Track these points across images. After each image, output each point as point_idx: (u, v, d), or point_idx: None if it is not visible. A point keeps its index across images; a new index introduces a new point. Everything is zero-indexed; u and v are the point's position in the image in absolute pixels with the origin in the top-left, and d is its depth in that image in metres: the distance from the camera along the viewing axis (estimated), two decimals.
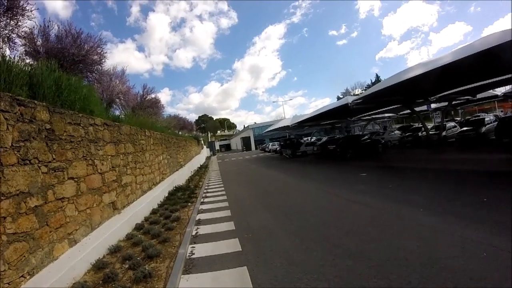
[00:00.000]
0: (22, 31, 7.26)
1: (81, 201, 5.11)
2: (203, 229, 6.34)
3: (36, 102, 4.20)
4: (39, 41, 8.62)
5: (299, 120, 24.18)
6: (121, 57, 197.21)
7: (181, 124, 36.01)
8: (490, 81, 13.81)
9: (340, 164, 16.51)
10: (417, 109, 22.42)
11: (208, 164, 32.24)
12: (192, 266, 4.39)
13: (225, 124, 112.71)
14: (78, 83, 6.21)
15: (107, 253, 4.90)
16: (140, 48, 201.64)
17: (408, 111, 23.72)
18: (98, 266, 4.22)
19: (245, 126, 73.15)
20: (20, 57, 8.21)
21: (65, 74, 8.56)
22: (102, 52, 10.43)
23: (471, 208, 5.29)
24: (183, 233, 5.92)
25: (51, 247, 4.11)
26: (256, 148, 60.28)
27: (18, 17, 6.73)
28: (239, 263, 4.24)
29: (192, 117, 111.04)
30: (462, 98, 18.92)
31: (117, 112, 15.81)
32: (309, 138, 37.03)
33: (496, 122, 16.44)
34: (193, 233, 6.07)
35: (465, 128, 18.28)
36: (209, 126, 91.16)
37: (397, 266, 3.49)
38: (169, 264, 4.34)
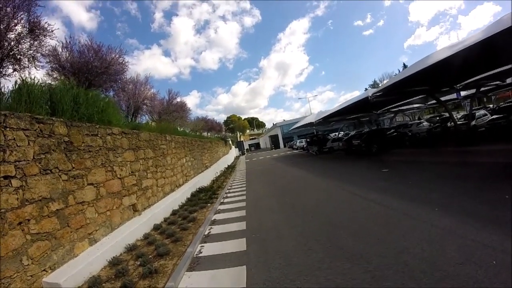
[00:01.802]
0: (45, 50, 8.01)
1: (101, 204, 5.67)
2: (216, 229, 6.66)
3: (54, 118, 4.77)
4: (64, 57, 9.44)
5: (322, 116, 23.90)
6: (148, 63, 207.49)
7: (209, 125, 36.99)
8: None
9: (364, 159, 16.12)
10: (447, 97, 21.20)
11: (236, 164, 32.90)
12: (197, 264, 4.70)
13: (253, 123, 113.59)
14: (96, 97, 6.81)
15: (124, 251, 5.40)
16: (166, 53, 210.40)
17: (442, 99, 22.55)
18: (114, 262, 4.71)
19: (274, 124, 73.18)
20: (47, 73, 9.17)
21: (89, 86, 9.48)
22: (124, 62, 11.22)
23: (491, 207, 4.90)
24: (196, 232, 6.31)
25: (72, 246, 4.66)
26: (284, 146, 60.25)
27: (40, 37, 7.47)
28: (240, 263, 4.44)
29: (222, 117, 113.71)
30: (491, 84, 17.52)
31: (145, 118, 16.94)
32: (336, 133, 36.45)
33: None
34: (206, 233, 6.41)
35: (495, 116, 17.02)
36: (237, 126, 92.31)
37: (395, 272, 3.35)
38: (176, 261, 4.71)
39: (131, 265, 4.66)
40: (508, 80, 17.87)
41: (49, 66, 9.05)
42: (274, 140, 66.70)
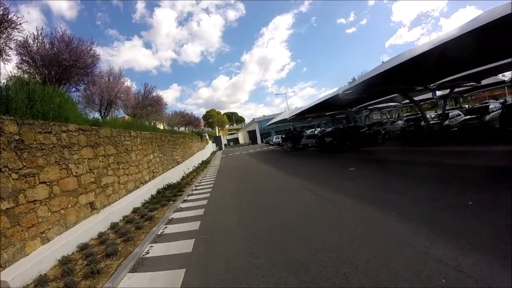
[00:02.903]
0: (14, 43, 7.99)
1: (54, 203, 5.82)
2: (170, 229, 6.89)
3: (3, 117, 4.89)
4: (34, 49, 9.32)
5: (295, 113, 24.60)
6: (128, 55, 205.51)
7: (186, 120, 36.88)
8: (494, 64, 13.24)
9: (335, 157, 16.77)
10: (424, 96, 22.16)
11: (211, 160, 33.12)
12: (141, 265, 4.91)
13: (233, 118, 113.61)
14: (53, 92, 6.87)
15: (76, 251, 5.61)
16: (147, 45, 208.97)
17: (418, 98, 23.49)
18: (63, 262, 4.94)
19: (252, 119, 73.69)
20: (17, 66, 9.08)
21: (59, 80, 9.45)
22: (94, 55, 11.17)
23: (451, 213, 4.84)
24: (149, 232, 6.60)
25: (23, 244, 4.84)
26: (262, 141, 60.92)
27: (8, 30, 7.44)
28: (181, 265, 4.59)
29: (202, 112, 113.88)
30: (466, 84, 18.41)
31: (119, 112, 16.87)
32: (313, 130, 37.39)
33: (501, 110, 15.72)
34: (158, 233, 6.64)
35: (468, 117, 17.85)
36: (216, 121, 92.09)
37: (331, 286, 3.27)
38: (121, 262, 4.98)
39: (79, 264, 4.90)
40: (483, 82, 18.82)
41: (19, 58, 8.97)
42: (251, 135, 67.32)
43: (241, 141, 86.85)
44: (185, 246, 5.50)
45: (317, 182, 9.86)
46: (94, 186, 7.46)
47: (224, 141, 79.35)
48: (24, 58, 9.16)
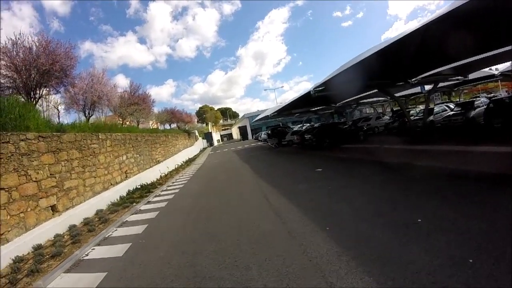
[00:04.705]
0: None
1: (14, 207, 6.58)
2: (119, 232, 7.51)
3: None
4: (14, 53, 10.02)
5: (276, 110, 25.34)
6: (122, 50, 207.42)
7: (177, 117, 37.66)
8: (484, 55, 12.46)
9: (311, 155, 17.29)
10: (412, 91, 22.44)
11: (197, 158, 33.84)
12: (77, 266, 5.55)
13: (227, 113, 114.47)
14: (15, 103, 7.59)
15: (32, 251, 6.38)
16: (142, 40, 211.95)
17: (408, 92, 24.17)
18: (16, 261, 5.71)
19: (244, 114, 74.52)
20: None
21: (38, 84, 10.11)
22: (73, 57, 11.86)
23: (394, 232, 4.38)
24: (97, 235, 7.30)
25: None
26: (252, 137, 61.71)
27: None
28: (106, 269, 5.06)
29: (197, 107, 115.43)
30: (453, 78, 18.02)
31: (109, 112, 17.59)
32: (301, 125, 38.20)
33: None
34: (106, 235, 7.24)
35: (451, 113, 18.34)
36: (209, 117, 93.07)
37: None
38: (60, 262, 5.71)
39: (29, 263, 5.70)
40: (471, 76, 18.39)
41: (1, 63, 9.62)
42: (242, 131, 68.26)
43: (234, 136, 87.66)
44: (119, 250, 6.01)
45: (278, 184, 10.02)
46: (56, 190, 8.20)
47: (217, 137, 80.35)
48: (5, 63, 9.81)
